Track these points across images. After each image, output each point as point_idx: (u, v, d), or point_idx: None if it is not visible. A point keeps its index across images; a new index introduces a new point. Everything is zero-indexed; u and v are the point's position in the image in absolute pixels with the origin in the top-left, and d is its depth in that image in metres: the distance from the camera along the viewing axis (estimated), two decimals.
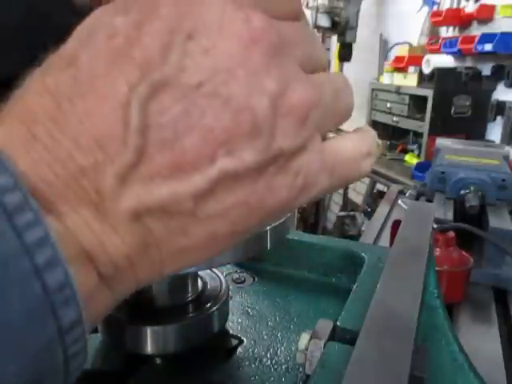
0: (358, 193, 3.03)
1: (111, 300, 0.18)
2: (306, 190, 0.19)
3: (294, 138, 0.18)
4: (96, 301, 0.17)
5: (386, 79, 2.74)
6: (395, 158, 2.56)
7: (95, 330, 0.39)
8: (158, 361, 0.39)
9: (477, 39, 2.12)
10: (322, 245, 0.53)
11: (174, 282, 0.38)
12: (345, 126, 0.26)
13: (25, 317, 0.14)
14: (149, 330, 0.36)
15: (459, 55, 2.38)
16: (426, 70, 2.30)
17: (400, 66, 2.65)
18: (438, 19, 2.44)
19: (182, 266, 0.19)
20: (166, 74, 0.16)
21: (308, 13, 2.56)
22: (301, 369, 0.37)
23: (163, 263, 0.18)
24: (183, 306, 0.39)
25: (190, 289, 0.40)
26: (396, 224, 1.03)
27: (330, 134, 0.21)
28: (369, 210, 2.49)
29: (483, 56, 2.27)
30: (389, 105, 2.62)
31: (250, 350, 0.40)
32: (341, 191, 3.22)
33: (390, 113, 2.63)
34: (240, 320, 0.45)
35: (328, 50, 3.45)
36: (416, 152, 2.52)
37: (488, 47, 2.06)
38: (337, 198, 3.37)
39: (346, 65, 2.79)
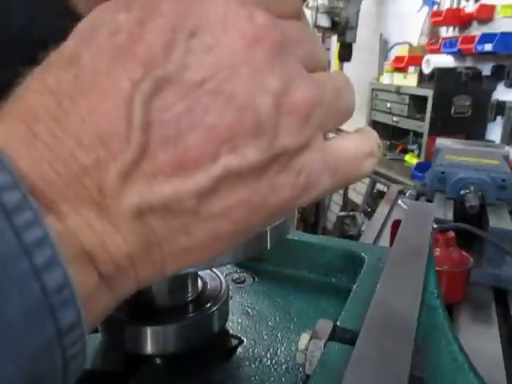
0: (358, 193, 3.03)
1: (112, 300, 0.18)
2: (308, 188, 0.19)
3: (297, 136, 0.18)
4: (96, 301, 0.17)
5: (386, 79, 2.74)
6: (395, 158, 2.56)
7: (95, 330, 0.39)
8: (158, 361, 0.39)
9: (477, 39, 2.12)
10: (322, 245, 0.53)
11: (174, 281, 0.38)
12: (345, 127, 0.26)
13: (23, 318, 0.14)
14: (149, 330, 0.36)
15: (459, 55, 2.38)
16: (426, 70, 2.30)
17: (400, 66, 2.65)
18: (438, 19, 2.44)
19: (184, 266, 0.19)
20: (168, 71, 0.16)
21: (308, 13, 2.56)
22: (301, 369, 0.37)
23: (165, 263, 0.18)
24: (183, 306, 0.39)
25: (190, 289, 0.40)
26: (396, 224, 1.03)
27: (331, 135, 0.21)
28: (369, 209, 2.49)
29: (483, 56, 2.27)
30: (389, 105, 2.62)
31: (250, 350, 0.40)
32: (341, 191, 3.22)
33: (390, 113, 2.63)
34: (240, 320, 0.45)
35: (328, 49, 3.45)
36: (416, 152, 2.52)
37: (488, 47, 2.06)
38: (337, 198, 3.37)
39: (345, 65, 2.79)
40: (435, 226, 0.90)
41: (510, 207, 1.11)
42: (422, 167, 1.99)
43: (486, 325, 0.88)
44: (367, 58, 3.16)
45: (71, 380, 0.16)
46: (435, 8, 2.63)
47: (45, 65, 0.17)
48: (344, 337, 0.34)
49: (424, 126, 2.30)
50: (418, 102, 2.38)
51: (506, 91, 2.24)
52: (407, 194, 1.52)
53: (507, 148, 1.54)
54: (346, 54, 2.68)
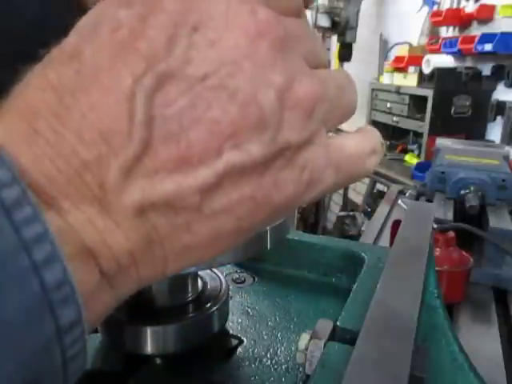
0: (358, 193, 3.03)
1: (113, 299, 0.17)
2: (311, 185, 0.19)
3: (300, 132, 0.18)
4: (97, 299, 0.17)
5: (386, 79, 2.74)
6: (395, 158, 2.56)
7: (95, 330, 0.39)
8: (158, 361, 0.39)
9: (477, 39, 2.12)
10: (322, 245, 0.53)
11: (174, 281, 0.38)
12: (345, 127, 0.26)
13: (22, 314, 0.13)
14: (149, 330, 0.36)
15: (459, 55, 2.38)
16: (426, 70, 2.30)
17: (400, 66, 2.65)
18: (438, 19, 2.44)
19: (186, 265, 0.19)
20: (171, 66, 0.16)
21: (308, 13, 2.55)
22: (301, 369, 0.37)
23: (166, 261, 0.18)
24: (183, 306, 0.39)
25: (190, 289, 0.40)
26: (396, 224, 1.03)
27: (330, 134, 0.21)
28: (369, 210, 2.49)
29: (483, 56, 2.27)
30: (389, 105, 2.62)
31: (250, 350, 0.40)
32: (341, 191, 3.22)
33: (390, 113, 2.63)
34: (240, 320, 0.45)
35: (328, 49, 3.45)
36: (416, 152, 2.52)
37: (488, 47, 2.06)
38: (337, 198, 3.37)
39: (345, 65, 2.79)
40: (435, 225, 0.90)
41: (510, 207, 1.11)
42: (422, 167, 1.99)
43: (485, 325, 0.88)
44: (367, 58, 3.16)
45: (71, 380, 0.16)
46: (435, 8, 2.63)
47: (46, 61, 0.17)
48: (344, 337, 0.34)
49: (424, 126, 2.30)
50: (418, 102, 2.38)
51: (506, 91, 2.24)
52: (407, 194, 1.52)
53: (507, 148, 1.54)
54: (346, 53, 2.68)
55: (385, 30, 3.20)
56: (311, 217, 3.41)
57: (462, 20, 2.39)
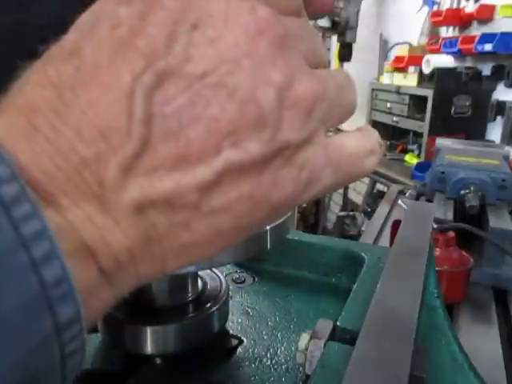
0: (358, 193, 3.03)
1: (112, 297, 0.17)
2: (310, 184, 0.19)
3: (299, 131, 0.18)
4: (96, 297, 0.17)
5: (386, 79, 2.74)
6: (395, 157, 2.56)
7: (95, 330, 0.39)
8: (158, 361, 0.39)
9: (477, 39, 2.12)
10: (322, 245, 0.53)
11: (174, 281, 0.38)
12: (345, 126, 0.26)
13: (21, 311, 0.13)
14: (149, 330, 0.36)
15: (459, 55, 2.38)
16: (426, 70, 2.30)
17: (400, 66, 2.65)
18: (438, 19, 2.44)
19: (185, 263, 0.19)
20: (170, 64, 0.16)
21: None
22: (301, 369, 0.37)
23: (165, 259, 0.18)
24: (183, 306, 0.39)
25: (189, 289, 0.40)
26: (396, 224, 1.03)
27: (330, 134, 0.21)
28: (369, 210, 2.49)
29: (483, 56, 2.27)
30: (389, 105, 2.62)
31: (250, 350, 0.40)
32: (341, 191, 3.22)
33: (390, 113, 2.63)
34: (240, 320, 0.45)
35: (328, 49, 3.45)
36: (416, 152, 2.52)
37: (488, 47, 2.06)
38: (337, 198, 3.37)
39: (345, 65, 2.78)
40: (435, 225, 0.90)
41: (510, 207, 1.11)
42: (422, 167, 1.99)
43: (485, 325, 0.88)
44: (367, 58, 3.16)
45: (69, 378, 0.16)
46: (435, 8, 2.63)
47: (45, 58, 0.17)
48: (344, 337, 0.34)
49: (424, 126, 2.30)
50: (418, 102, 2.38)
51: (506, 91, 2.24)
52: (407, 194, 1.52)
53: (507, 148, 1.54)
54: (346, 53, 2.68)
55: (385, 30, 3.20)
56: (311, 217, 3.41)
57: (461, 20, 2.39)
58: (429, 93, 2.23)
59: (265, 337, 0.42)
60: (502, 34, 2.02)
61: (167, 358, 0.38)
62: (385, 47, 3.20)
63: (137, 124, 0.16)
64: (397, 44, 3.04)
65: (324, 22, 2.60)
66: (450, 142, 1.49)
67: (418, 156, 2.45)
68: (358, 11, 2.58)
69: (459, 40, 2.26)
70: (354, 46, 2.68)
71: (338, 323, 0.35)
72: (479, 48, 2.10)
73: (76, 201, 0.15)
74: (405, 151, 2.62)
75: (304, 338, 0.33)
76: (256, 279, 0.53)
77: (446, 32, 2.62)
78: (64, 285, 0.14)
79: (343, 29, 2.58)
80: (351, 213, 2.98)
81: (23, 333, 0.14)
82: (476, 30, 2.32)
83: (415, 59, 2.52)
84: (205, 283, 0.42)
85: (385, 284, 0.36)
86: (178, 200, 0.16)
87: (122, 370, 0.38)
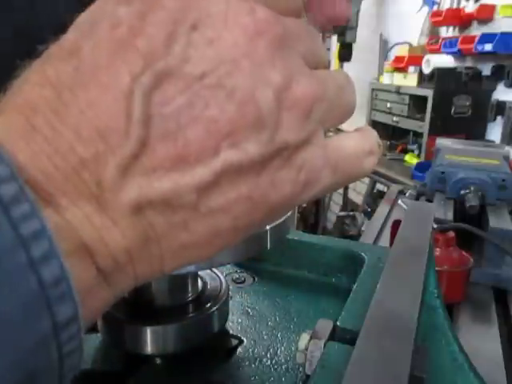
0: (358, 193, 3.03)
1: (110, 296, 0.17)
2: (309, 185, 0.19)
3: (298, 132, 0.18)
4: (94, 297, 0.17)
5: (386, 79, 2.74)
6: (395, 157, 2.56)
7: (95, 330, 0.39)
8: (158, 361, 0.39)
9: (477, 39, 2.12)
10: (322, 245, 0.53)
11: (174, 281, 0.38)
12: (345, 126, 0.26)
13: (19, 311, 0.13)
14: (149, 330, 0.36)
15: (459, 55, 2.38)
16: (426, 70, 2.30)
17: (400, 66, 2.65)
18: (438, 19, 2.44)
19: (183, 263, 0.19)
20: (169, 65, 0.16)
21: None
22: (301, 369, 0.37)
23: (163, 259, 0.18)
24: (183, 306, 0.39)
25: (189, 289, 0.40)
26: (396, 224, 1.03)
27: (330, 134, 0.21)
28: (369, 210, 2.49)
29: (483, 56, 2.27)
30: (389, 105, 2.62)
31: (250, 350, 0.40)
32: (341, 191, 3.22)
33: (390, 113, 2.63)
34: (240, 320, 0.45)
35: (328, 50, 3.45)
36: (416, 152, 2.52)
37: (488, 47, 2.06)
38: (337, 198, 3.37)
39: (345, 65, 2.78)
40: (435, 225, 0.90)
41: (510, 207, 1.11)
42: (422, 167, 1.99)
43: (486, 325, 0.88)
44: (367, 58, 3.16)
45: (67, 378, 0.16)
46: (435, 8, 2.63)
47: (44, 57, 0.17)
48: (344, 337, 0.34)
49: (424, 126, 2.30)
50: (418, 102, 2.38)
51: (506, 91, 2.24)
52: (407, 194, 1.52)
53: (507, 148, 1.54)
54: (345, 53, 2.68)
55: (385, 30, 3.20)
56: (311, 217, 3.41)
57: (461, 20, 2.39)
58: (429, 93, 2.24)
59: (265, 337, 0.42)
60: (502, 33, 2.03)
61: (167, 358, 0.38)
62: (385, 47, 3.20)
63: (135, 124, 0.16)
64: (397, 44, 3.04)
65: None
66: (450, 141, 1.49)
67: (418, 156, 2.45)
68: (358, 11, 2.58)
69: (459, 40, 2.27)
70: (354, 46, 2.68)
71: (338, 323, 0.35)
72: (479, 48, 2.11)
73: (74, 201, 0.15)
74: (405, 151, 2.62)
75: (304, 338, 0.33)
76: (256, 279, 0.53)
77: (446, 32, 2.62)
78: (63, 284, 0.14)
79: (343, 29, 2.58)
80: (351, 213, 2.98)
81: (22, 332, 0.14)
82: (476, 30, 2.32)
83: (415, 59, 2.52)
84: (205, 283, 0.42)
85: (385, 284, 0.36)
86: (177, 200, 0.16)
87: (122, 370, 0.38)
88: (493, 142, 2.20)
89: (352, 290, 0.41)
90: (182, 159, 0.16)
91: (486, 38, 2.09)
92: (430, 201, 1.17)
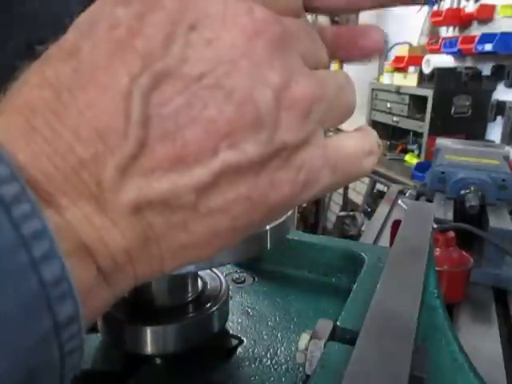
0: (358, 193, 3.03)
1: (110, 296, 0.18)
2: (308, 185, 0.19)
3: (297, 132, 0.18)
4: (95, 296, 0.17)
5: (385, 79, 2.74)
6: (395, 157, 2.56)
7: (95, 330, 0.39)
8: (158, 361, 0.39)
9: (477, 39, 2.12)
10: (322, 245, 0.53)
11: (174, 281, 0.38)
12: (345, 126, 0.26)
13: (20, 310, 0.13)
14: (149, 330, 0.36)
15: (459, 55, 2.38)
16: (426, 70, 2.30)
17: (400, 66, 2.65)
18: (438, 19, 2.44)
19: (182, 263, 0.19)
20: (168, 65, 0.16)
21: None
22: (301, 369, 0.37)
23: (163, 259, 0.18)
24: (183, 306, 0.39)
25: (189, 289, 0.40)
26: (396, 224, 1.03)
27: (330, 134, 0.21)
28: (369, 210, 2.49)
29: (483, 56, 2.27)
30: (389, 105, 2.62)
31: (250, 350, 0.40)
32: (341, 191, 3.22)
33: (390, 113, 2.63)
34: (240, 320, 0.45)
35: None
36: (416, 152, 2.52)
37: (488, 47, 2.06)
38: (337, 198, 3.37)
39: (345, 65, 2.79)
40: (435, 225, 0.90)
41: (510, 207, 1.11)
42: (422, 167, 1.99)
43: (486, 325, 0.88)
44: None
45: (68, 377, 0.16)
46: (435, 8, 2.63)
47: (44, 58, 0.17)
48: (344, 337, 0.34)
49: (424, 126, 2.30)
50: (417, 102, 2.38)
51: (506, 91, 2.24)
52: (407, 194, 1.52)
53: (507, 148, 1.54)
54: None
55: (385, 30, 3.20)
56: (311, 217, 3.41)
57: (461, 20, 2.39)
58: (429, 93, 2.24)
59: (265, 337, 0.42)
60: (502, 34, 2.02)
61: (167, 358, 0.38)
62: (385, 47, 3.20)
63: (134, 125, 0.16)
64: (397, 44, 3.04)
65: (324, 22, 2.60)
66: (450, 142, 1.49)
67: (418, 156, 2.45)
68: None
69: (459, 40, 2.26)
70: None
71: (338, 323, 0.35)
72: (479, 48, 2.11)
73: (74, 201, 0.16)
74: (405, 151, 2.62)
75: (304, 338, 0.33)
76: (256, 279, 0.53)
77: (446, 32, 2.62)
78: (63, 284, 0.14)
79: None
80: (351, 213, 2.98)
81: (23, 332, 0.14)
82: (476, 30, 2.32)
83: (415, 59, 2.52)
84: (205, 283, 0.42)
85: (385, 284, 0.36)
86: (176, 201, 0.17)
87: (122, 370, 0.38)
88: (493, 142, 2.20)
89: (352, 290, 0.41)
90: (181, 160, 0.16)
91: (485, 37, 2.09)
92: (430, 201, 1.17)
